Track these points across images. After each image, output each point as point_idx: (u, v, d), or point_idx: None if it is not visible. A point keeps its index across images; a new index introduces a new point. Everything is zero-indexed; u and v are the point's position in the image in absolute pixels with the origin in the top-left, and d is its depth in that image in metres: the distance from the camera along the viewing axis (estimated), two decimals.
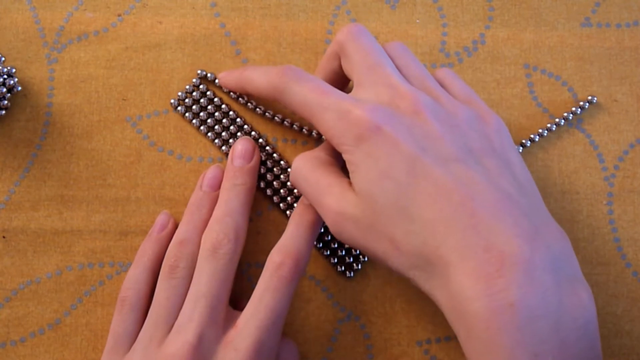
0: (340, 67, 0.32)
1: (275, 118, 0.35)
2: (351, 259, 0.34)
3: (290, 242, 0.30)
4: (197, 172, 0.35)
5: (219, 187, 0.33)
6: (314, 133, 0.35)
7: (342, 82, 0.33)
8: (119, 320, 0.31)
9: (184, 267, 0.30)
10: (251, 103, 0.35)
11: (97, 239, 0.34)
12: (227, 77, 0.34)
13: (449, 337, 0.34)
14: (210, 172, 0.33)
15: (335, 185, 0.29)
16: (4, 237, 0.34)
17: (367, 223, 0.27)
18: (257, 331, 0.28)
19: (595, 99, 0.36)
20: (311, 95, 0.29)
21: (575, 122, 0.36)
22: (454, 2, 0.37)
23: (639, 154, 0.36)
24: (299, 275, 0.30)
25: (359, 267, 0.34)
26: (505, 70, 0.37)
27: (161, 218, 0.33)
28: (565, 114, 0.36)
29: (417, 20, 0.37)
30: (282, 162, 0.35)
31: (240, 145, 0.33)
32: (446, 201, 0.26)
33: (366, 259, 0.34)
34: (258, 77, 0.32)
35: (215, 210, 0.32)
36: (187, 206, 0.33)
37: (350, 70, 0.30)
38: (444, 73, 0.33)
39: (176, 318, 0.29)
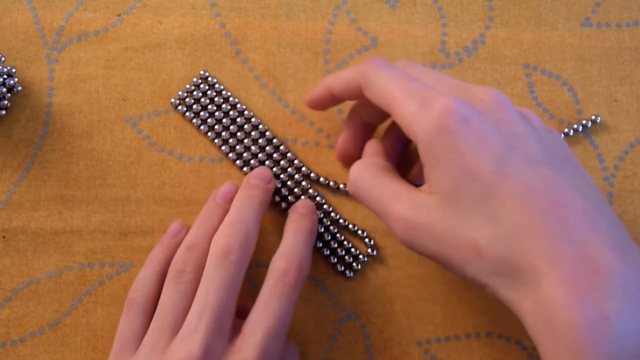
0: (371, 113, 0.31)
1: (280, 116, 0.35)
2: (351, 259, 0.34)
3: (292, 249, 0.30)
4: (197, 172, 0.35)
5: (231, 200, 0.32)
6: (318, 129, 0.35)
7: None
8: (126, 323, 0.30)
9: (191, 272, 0.30)
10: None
11: (97, 239, 0.34)
12: (311, 94, 0.33)
13: (449, 337, 0.34)
14: (225, 187, 0.33)
15: (402, 191, 0.27)
16: (4, 237, 0.34)
17: (446, 227, 0.26)
18: (264, 339, 0.28)
19: (600, 118, 0.36)
20: (395, 82, 0.28)
21: (575, 122, 0.36)
22: (454, 2, 0.37)
23: (639, 154, 0.36)
24: (302, 282, 0.30)
25: (359, 267, 0.34)
26: (505, 70, 0.37)
27: (174, 226, 0.33)
28: (574, 126, 0.36)
29: (417, 20, 0.37)
30: (282, 162, 0.35)
31: (259, 170, 0.33)
32: (537, 205, 0.24)
33: (366, 259, 0.34)
34: (343, 73, 0.31)
35: (227, 217, 0.31)
36: (199, 214, 0.33)
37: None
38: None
39: (182, 324, 0.28)
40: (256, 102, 0.36)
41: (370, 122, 0.33)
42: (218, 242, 0.29)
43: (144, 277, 0.31)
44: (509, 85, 0.36)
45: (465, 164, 0.25)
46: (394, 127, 0.33)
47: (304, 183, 0.35)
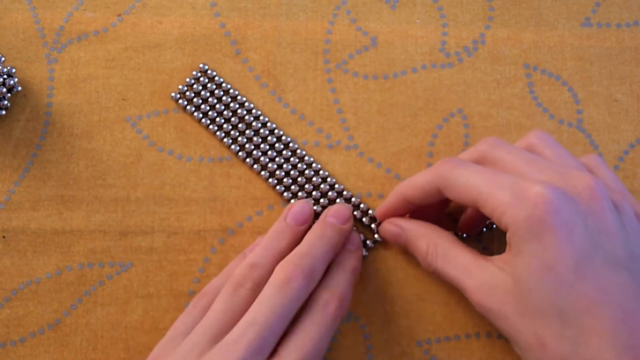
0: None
1: (282, 114, 0.35)
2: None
3: (337, 284, 0.30)
4: (197, 172, 0.35)
5: (303, 222, 0.32)
6: (318, 129, 0.35)
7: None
8: (184, 318, 0.30)
9: (248, 289, 0.30)
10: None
11: (97, 239, 0.34)
12: (384, 204, 0.33)
13: (449, 337, 0.34)
14: (298, 207, 0.33)
15: (472, 266, 0.28)
16: (4, 237, 0.34)
17: (515, 313, 0.26)
18: None
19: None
20: (479, 176, 0.28)
21: (575, 122, 0.36)
22: (454, 2, 0.37)
23: (639, 154, 0.36)
24: (342, 316, 0.30)
25: (366, 253, 0.34)
26: (505, 70, 0.37)
27: (258, 242, 0.33)
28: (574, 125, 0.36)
29: (417, 20, 0.37)
30: (284, 152, 0.35)
31: (338, 207, 0.33)
32: (609, 312, 0.24)
33: (373, 244, 0.34)
34: (418, 179, 0.31)
35: (298, 247, 0.31)
36: (267, 232, 0.32)
37: (505, 170, 0.29)
38: (591, 160, 0.31)
39: (225, 334, 0.28)
40: (256, 102, 0.36)
41: (417, 205, 0.32)
42: (283, 269, 0.29)
43: (217, 284, 0.32)
44: (509, 85, 0.36)
45: (546, 256, 0.25)
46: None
47: (307, 172, 0.35)
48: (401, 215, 0.33)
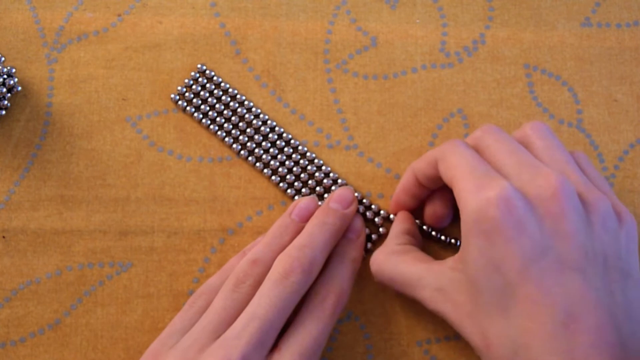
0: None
1: (282, 112, 0.35)
2: None
3: (335, 277, 0.31)
4: (197, 172, 0.35)
5: (307, 219, 0.32)
6: (318, 129, 0.35)
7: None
8: (181, 316, 0.30)
9: (249, 285, 0.30)
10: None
11: (97, 239, 0.34)
12: (399, 185, 0.33)
13: (449, 337, 0.34)
14: (304, 203, 0.32)
15: (425, 275, 0.29)
16: (4, 237, 0.34)
17: (465, 312, 0.27)
18: (299, 356, 0.28)
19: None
20: (464, 160, 0.28)
21: (575, 122, 0.36)
22: (454, 2, 0.37)
23: (639, 154, 0.36)
24: (340, 309, 0.30)
25: (369, 246, 0.34)
26: (505, 70, 0.37)
27: (258, 241, 0.33)
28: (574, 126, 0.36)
29: (417, 20, 0.37)
30: (285, 149, 0.35)
31: (340, 191, 0.33)
32: (549, 316, 0.25)
33: (370, 246, 0.34)
34: (426, 153, 0.31)
35: (297, 238, 0.31)
36: (271, 228, 0.32)
37: (490, 158, 0.29)
38: (578, 156, 0.31)
39: (225, 330, 0.28)
40: (256, 102, 0.36)
41: (424, 184, 0.32)
42: (281, 262, 0.29)
43: (213, 283, 0.31)
44: (509, 85, 0.36)
45: (493, 255, 0.25)
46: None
47: (309, 168, 0.35)
48: (416, 196, 0.33)
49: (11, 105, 0.35)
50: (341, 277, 0.31)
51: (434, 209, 0.33)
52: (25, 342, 0.33)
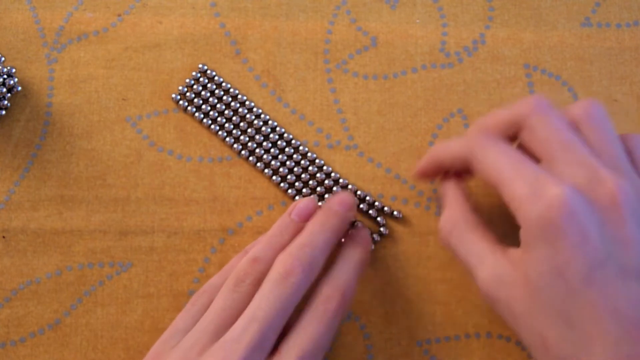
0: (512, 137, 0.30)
1: (283, 111, 0.35)
2: None
3: (340, 277, 0.30)
4: (197, 172, 0.35)
5: (307, 219, 0.32)
6: (318, 129, 0.35)
7: None
8: (183, 317, 0.30)
9: (249, 284, 0.29)
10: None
11: (97, 239, 0.34)
12: (420, 165, 0.33)
13: (449, 337, 0.34)
14: (303, 203, 0.32)
15: (487, 255, 0.28)
16: (4, 237, 0.34)
17: (521, 310, 0.26)
18: None
19: None
20: (505, 160, 0.27)
21: None
22: (454, 2, 0.37)
23: None
24: (344, 311, 0.30)
25: (372, 247, 0.34)
26: (505, 70, 0.37)
27: (259, 240, 0.33)
28: None
29: (417, 20, 0.37)
30: (286, 149, 0.35)
31: (341, 194, 0.33)
32: (614, 323, 0.24)
33: (379, 238, 0.34)
34: (451, 145, 0.30)
35: (298, 237, 0.31)
36: (271, 228, 0.32)
37: (537, 145, 0.28)
38: (635, 142, 0.29)
39: (225, 331, 0.28)
40: (256, 102, 0.36)
41: (447, 167, 0.32)
42: (282, 262, 0.29)
43: (216, 282, 0.31)
44: (509, 85, 0.36)
45: (557, 261, 0.25)
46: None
47: (310, 168, 0.35)
48: (435, 175, 0.33)
49: (11, 105, 0.35)
50: (346, 279, 0.30)
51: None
52: (25, 342, 0.33)
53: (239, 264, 0.30)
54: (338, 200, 0.32)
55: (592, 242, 0.25)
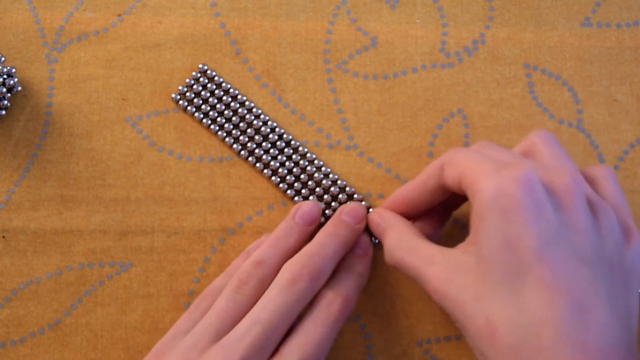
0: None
1: (283, 111, 0.35)
2: None
3: (342, 286, 0.30)
4: (197, 172, 0.35)
5: (310, 222, 0.32)
6: (318, 129, 0.35)
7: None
8: (186, 318, 0.30)
9: (252, 287, 0.30)
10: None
11: (97, 239, 0.34)
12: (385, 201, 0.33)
13: (449, 337, 0.34)
14: (307, 207, 0.32)
15: (436, 254, 0.28)
16: (4, 237, 0.34)
17: (471, 295, 0.25)
18: None
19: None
20: (473, 155, 0.28)
21: (575, 122, 0.36)
22: (454, 2, 0.37)
23: (639, 154, 0.36)
24: (345, 317, 0.30)
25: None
26: (505, 70, 0.37)
27: (261, 240, 0.33)
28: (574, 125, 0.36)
29: (417, 20, 0.37)
30: (285, 150, 0.35)
31: (353, 205, 0.33)
32: (564, 303, 0.24)
33: (377, 241, 0.34)
34: (428, 167, 0.31)
35: (307, 246, 0.31)
36: (274, 231, 0.32)
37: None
38: (599, 171, 0.30)
39: (226, 332, 0.28)
40: (256, 102, 0.36)
41: (428, 200, 0.32)
42: (290, 269, 0.29)
43: (220, 284, 0.31)
44: (509, 85, 0.36)
45: (510, 232, 0.25)
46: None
47: (309, 168, 0.35)
48: (412, 208, 0.32)
49: (11, 105, 0.35)
50: (348, 287, 0.30)
51: (421, 227, 0.33)
52: (25, 342, 0.33)
53: (243, 266, 0.30)
54: (349, 211, 0.32)
55: (547, 219, 0.25)
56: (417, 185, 0.31)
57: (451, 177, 0.29)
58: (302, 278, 0.29)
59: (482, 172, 0.26)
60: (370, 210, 0.34)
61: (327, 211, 0.34)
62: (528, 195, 0.25)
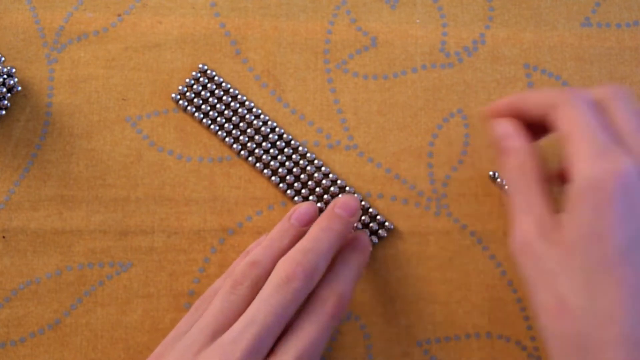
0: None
1: (283, 111, 0.35)
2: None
3: (338, 281, 0.30)
4: (197, 172, 0.35)
5: (307, 223, 0.32)
6: (318, 129, 0.35)
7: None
8: (187, 319, 0.30)
9: (247, 287, 0.29)
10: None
11: (97, 239, 0.34)
12: (496, 103, 0.32)
13: (449, 337, 0.34)
14: (303, 208, 0.32)
15: (535, 206, 0.27)
16: (4, 237, 0.34)
17: (548, 268, 0.26)
18: None
19: None
20: (586, 120, 0.27)
21: None
22: (454, 2, 0.37)
23: None
24: (341, 314, 0.30)
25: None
26: (505, 70, 0.37)
27: (261, 240, 0.33)
28: None
29: (417, 20, 0.37)
30: (285, 150, 0.35)
31: (345, 198, 0.32)
32: (638, 307, 0.24)
33: (376, 240, 0.34)
34: (540, 90, 0.30)
35: (301, 241, 0.30)
36: (270, 232, 0.32)
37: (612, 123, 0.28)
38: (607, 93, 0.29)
39: (223, 332, 0.28)
40: (256, 102, 0.36)
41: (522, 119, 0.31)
42: (284, 267, 0.29)
43: (220, 286, 0.31)
44: (509, 85, 0.36)
45: (599, 226, 0.25)
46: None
47: (309, 168, 0.35)
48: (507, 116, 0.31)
49: (11, 105, 0.35)
50: (344, 281, 0.30)
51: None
52: (25, 342, 0.33)
53: (238, 267, 0.30)
54: (342, 204, 0.32)
55: (637, 220, 0.25)
56: (527, 100, 0.30)
57: (555, 126, 0.28)
58: (296, 276, 0.29)
59: (586, 152, 0.26)
60: (371, 210, 0.34)
61: None
62: (623, 193, 0.25)
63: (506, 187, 0.30)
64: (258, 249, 0.31)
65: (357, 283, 0.32)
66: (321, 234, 0.31)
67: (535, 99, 0.30)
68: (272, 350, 0.28)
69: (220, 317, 0.29)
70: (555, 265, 0.26)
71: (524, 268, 0.27)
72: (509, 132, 0.30)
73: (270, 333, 0.28)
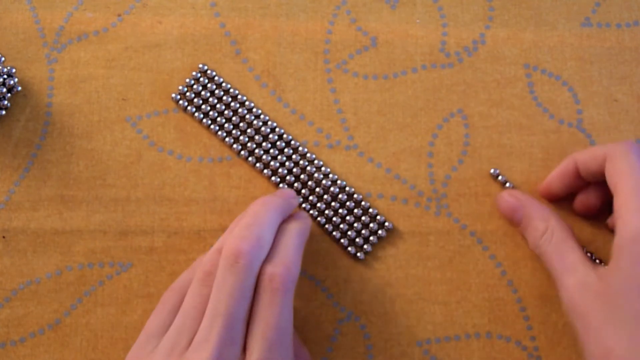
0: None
1: (283, 112, 0.35)
2: (361, 241, 0.34)
3: (279, 252, 0.29)
4: (197, 172, 0.35)
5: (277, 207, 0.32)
6: (318, 129, 0.35)
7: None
8: (155, 319, 0.30)
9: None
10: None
11: (97, 239, 0.34)
12: (552, 174, 0.34)
13: (449, 337, 0.34)
14: (279, 191, 0.34)
15: (578, 266, 0.29)
16: (4, 237, 0.34)
17: (598, 322, 0.27)
18: (268, 351, 0.27)
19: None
20: (633, 171, 0.29)
21: (575, 122, 0.36)
22: (454, 2, 0.37)
23: None
24: (292, 284, 0.28)
25: (370, 248, 0.34)
26: (505, 70, 0.37)
27: (231, 229, 0.33)
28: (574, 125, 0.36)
29: (417, 20, 0.37)
30: (285, 150, 0.35)
31: (285, 189, 0.34)
32: None
33: (362, 257, 0.34)
34: (594, 147, 0.32)
35: (242, 219, 0.30)
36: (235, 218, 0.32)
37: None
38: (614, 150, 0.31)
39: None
40: (256, 102, 0.36)
41: (583, 176, 0.33)
42: (228, 246, 0.28)
43: (183, 279, 0.31)
44: (509, 85, 0.36)
45: None
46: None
47: (309, 168, 0.35)
48: (569, 185, 0.33)
49: (11, 105, 0.35)
50: (285, 251, 0.29)
51: (587, 198, 0.33)
52: (25, 342, 0.33)
53: (205, 257, 0.30)
54: (280, 192, 0.33)
55: None
56: (576, 164, 0.32)
57: (608, 179, 0.29)
58: (242, 252, 0.28)
59: (630, 205, 0.27)
60: (371, 210, 0.34)
61: (326, 211, 0.34)
62: None
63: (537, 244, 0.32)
64: (225, 234, 0.31)
65: (302, 249, 0.30)
66: (260, 208, 0.30)
67: (590, 153, 0.31)
68: (245, 346, 0.28)
69: (194, 314, 0.28)
70: (601, 318, 0.27)
71: (573, 324, 0.28)
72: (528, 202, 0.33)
73: (237, 318, 0.27)
